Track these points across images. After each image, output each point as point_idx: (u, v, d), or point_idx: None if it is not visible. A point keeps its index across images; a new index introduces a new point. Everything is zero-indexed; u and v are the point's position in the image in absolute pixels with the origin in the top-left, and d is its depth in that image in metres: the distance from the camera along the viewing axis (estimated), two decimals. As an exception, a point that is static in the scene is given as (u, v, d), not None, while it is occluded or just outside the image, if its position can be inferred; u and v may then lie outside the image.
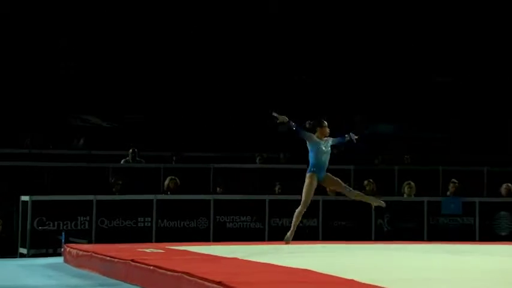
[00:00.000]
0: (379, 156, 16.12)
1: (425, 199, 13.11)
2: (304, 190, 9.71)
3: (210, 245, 11.32)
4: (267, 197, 13.00)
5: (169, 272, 6.74)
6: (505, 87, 21.10)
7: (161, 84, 20.27)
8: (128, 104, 20.32)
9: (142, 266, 7.38)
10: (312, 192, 9.70)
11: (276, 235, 12.53)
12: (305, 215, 12.74)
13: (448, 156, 17.24)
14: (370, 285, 5.82)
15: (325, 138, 9.76)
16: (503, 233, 12.95)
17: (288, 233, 9.93)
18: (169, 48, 20.36)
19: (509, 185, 13.64)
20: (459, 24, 21.05)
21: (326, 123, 9.77)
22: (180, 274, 6.48)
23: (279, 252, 9.32)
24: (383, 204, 10.06)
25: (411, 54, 21.10)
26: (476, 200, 13.14)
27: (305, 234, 12.46)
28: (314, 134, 9.68)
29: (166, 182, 13.03)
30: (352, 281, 6.11)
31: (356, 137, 9.99)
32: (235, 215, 12.70)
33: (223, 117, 20.47)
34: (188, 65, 20.47)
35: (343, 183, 9.98)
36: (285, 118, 9.59)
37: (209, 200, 12.68)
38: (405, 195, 13.41)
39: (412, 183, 13.37)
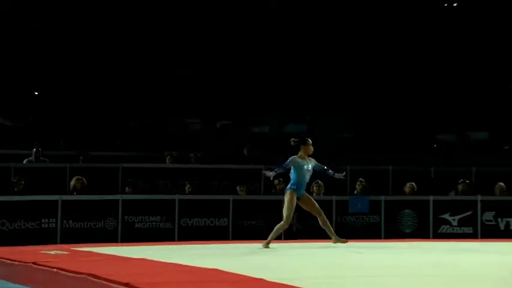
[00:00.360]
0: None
1: (334, 198, 13.27)
2: (285, 207, 9.67)
3: (118, 245, 11.06)
4: (177, 197, 12.83)
5: (73, 274, 6.51)
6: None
7: (66, 82, 19.72)
8: (32, 103, 19.68)
9: (45, 268, 7.11)
10: (293, 209, 9.68)
11: (186, 235, 12.41)
12: (216, 215, 12.76)
13: (355, 155, 17.53)
14: (278, 283, 5.80)
15: (309, 157, 9.73)
16: (407, 231, 13.29)
17: (264, 242, 9.78)
18: (73, 49, 19.85)
19: (413, 184, 14.00)
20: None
21: (310, 141, 9.74)
22: (84, 276, 6.27)
23: (188, 253, 9.20)
24: (343, 242, 10.02)
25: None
26: (382, 198, 13.41)
27: (216, 234, 12.40)
28: (298, 151, 9.65)
29: (72, 182, 12.63)
30: (261, 280, 6.07)
31: (342, 175, 10.02)
32: (145, 215, 12.47)
33: (131, 116, 20.14)
34: (96, 65, 20.03)
35: (318, 207, 9.99)
36: (273, 174, 9.70)
37: (117, 200, 12.38)
38: (314, 194, 13.53)
39: (321, 182, 13.51)
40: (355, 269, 7.37)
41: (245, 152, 15.56)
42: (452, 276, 6.88)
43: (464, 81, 22.30)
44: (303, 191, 9.83)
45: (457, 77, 22.30)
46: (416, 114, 21.04)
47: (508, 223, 13.44)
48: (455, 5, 22.36)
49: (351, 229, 13.07)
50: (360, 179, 14.09)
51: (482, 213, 13.45)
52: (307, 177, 9.75)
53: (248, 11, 20.63)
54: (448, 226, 13.38)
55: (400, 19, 21.36)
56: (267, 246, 9.73)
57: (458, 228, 13.35)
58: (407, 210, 13.41)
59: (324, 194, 13.60)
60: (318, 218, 10.05)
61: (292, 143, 9.71)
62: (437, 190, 14.39)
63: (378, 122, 20.67)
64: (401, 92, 21.73)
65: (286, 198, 9.71)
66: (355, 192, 14.02)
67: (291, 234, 12.69)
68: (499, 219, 13.46)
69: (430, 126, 20.45)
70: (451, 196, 14.14)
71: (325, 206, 13.13)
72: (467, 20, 22.13)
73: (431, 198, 13.48)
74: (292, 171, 9.70)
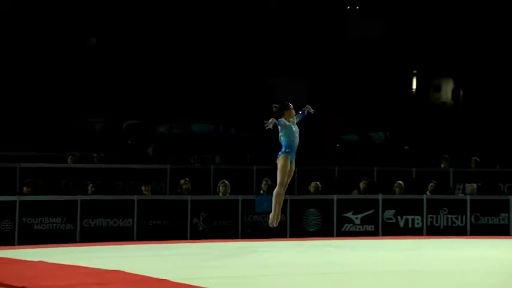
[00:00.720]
0: (195, 156, 16.07)
1: (240, 197, 13.24)
2: (280, 171, 9.35)
3: (15, 248, 10.59)
4: (79, 197, 12.43)
5: (-36, 279, 6.12)
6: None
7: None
8: None
9: None
10: (287, 173, 9.36)
11: (89, 236, 12.04)
12: (120, 215, 12.44)
13: (260, 155, 17.56)
14: (182, 283, 5.68)
15: (291, 119, 9.53)
16: (311, 229, 13.41)
17: (271, 216, 9.52)
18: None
19: (318, 183, 14.14)
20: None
21: (291, 105, 9.56)
22: (-23, 280, 5.92)
23: (90, 255, 8.91)
24: (273, 224, 9.68)
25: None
26: (288, 197, 13.45)
27: (120, 235, 12.11)
28: (281, 116, 9.40)
29: (-35, 183, 12.01)
30: (165, 280, 5.93)
31: (312, 110, 9.84)
32: (44, 216, 12.01)
33: (33, 115, 19.42)
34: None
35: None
36: (273, 120, 9.24)
37: (14, 201, 11.87)
38: (220, 194, 13.46)
39: (227, 182, 13.45)
40: (259, 268, 7.33)
41: (150, 151, 15.27)
42: (352, 273, 6.94)
43: (366, 82, 22.85)
44: (294, 155, 9.52)
45: (359, 77, 22.82)
46: (321, 115, 21.34)
47: (407, 221, 13.79)
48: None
49: (258, 228, 13.06)
50: (266, 178, 14.11)
51: (383, 212, 13.73)
52: (296, 139, 9.51)
53: (146, 12, 20.39)
54: (351, 224, 13.56)
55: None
56: (276, 222, 9.45)
57: (360, 226, 13.55)
58: (311, 209, 13.52)
59: (229, 194, 13.53)
60: (279, 187, 9.57)
61: (273, 109, 9.53)
62: (341, 189, 14.59)
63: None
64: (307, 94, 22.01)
65: (280, 162, 9.37)
66: (261, 191, 14.02)
67: (197, 234, 12.56)
68: (399, 217, 13.79)
69: (334, 126, 20.80)
70: (354, 195, 14.36)
71: (231, 205, 13.14)
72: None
73: (335, 197, 13.64)
74: (281, 134, 9.45)
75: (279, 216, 9.63)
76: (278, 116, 9.40)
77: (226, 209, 13.12)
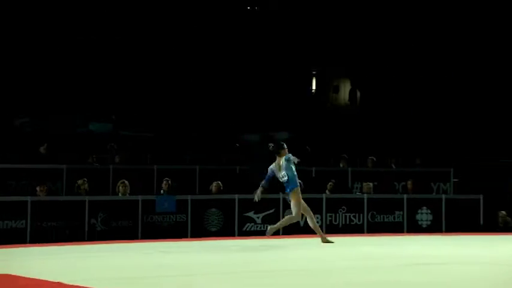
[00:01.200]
0: (93, 156, 15.63)
1: (140, 198, 12.96)
2: (295, 205, 10.73)
3: None
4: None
5: None
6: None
7: None
8: None
9: None
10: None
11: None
12: (12, 216, 11.87)
13: (161, 155, 17.31)
14: (75, 285, 5.43)
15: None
16: (213, 229, 13.31)
17: (270, 228, 10.82)
18: None
19: (219, 183, 14.06)
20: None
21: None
22: None
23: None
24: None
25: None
26: (189, 197, 13.33)
27: (13, 237, 11.56)
28: (279, 155, 10.74)
29: None
30: (58, 283, 5.66)
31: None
32: None
33: None
34: None
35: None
36: (258, 195, 10.92)
37: None
38: (120, 194, 13.15)
39: (126, 182, 13.14)
40: (158, 269, 7.16)
41: (42, 150, 14.63)
42: (257, 271, 6.90)
43: (267, 82, 23.00)
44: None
45: (260, 77, 22.96)
46: (221, 115, 21.32)
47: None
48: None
49: (158, 228, 12.84)
50: (166, 178, 13.90)
51: (284, 211, 13.80)
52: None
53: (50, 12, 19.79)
54: (252, 224, 13.58)
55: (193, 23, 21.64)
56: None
57: (262, 225, 13.58)
58: (213, 209, 13.43)
59: (129, 194, 13.22)
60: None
61: (270, 148, 10.80)
62: (243, 189, 14.57)
63: (185, 121, 20.64)
64: (206, 93, 21.93)
65: (299, 196, 10.72)
66: (162, 191, 13.80)
67: (94, 235, 12.19)
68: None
69: (235, 126, 20.80)
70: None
71: (131, 206, 12.84)
72: (272, 23, 22.85)
73: (236, 196, 13.61)
74: (290, 170, 10.68)
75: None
76: (276, 153, 10.71)
77: (126, 210, 12.80)
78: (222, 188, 14.03)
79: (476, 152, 21.27)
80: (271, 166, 10.88)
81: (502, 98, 23.49)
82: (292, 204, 10.72)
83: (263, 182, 10.96)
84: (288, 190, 10.75)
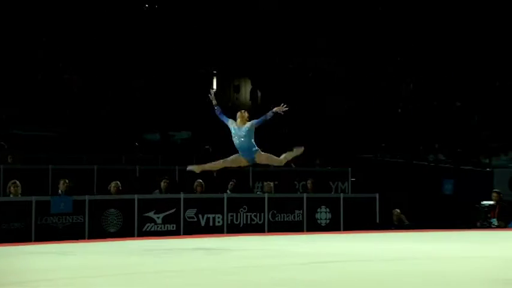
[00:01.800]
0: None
1: (34, 198, 12.47)
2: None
3: None
4: None
5: None
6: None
7: None
8: None
9: None
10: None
11: None
12: None
13: (58, 154, 16.76)
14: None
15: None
16: (112, 230, 13.00)
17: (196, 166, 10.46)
18: None
19: (118, 182, 13.78)
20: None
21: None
22: None
23: None
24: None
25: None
26: (86, 198, 12.96)
27: None
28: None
29: None
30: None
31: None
32: None
33: None
34: None
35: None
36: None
37: None
38: (11, 195, 12.60)
39: (18, 182, 12.60)
40: (53, 272, 6.88)
41: None
42: (156, 272, 6.77)
43: (167, 81, 22.78)
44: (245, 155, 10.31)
45: (160, 76, 22.71)
46: (121, 114, 20.92)
47: (208, 219, 13.86)
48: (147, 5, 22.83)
49: (54, 230, 12.40)
50: (64, 178, 13.46)
51: (184, 211, 13.69)
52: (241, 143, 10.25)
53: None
54: (152, 224, 13.38)
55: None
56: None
57: (162, 225, 13.41)
58: (112, 210, 13.11)
59: (22, 195, 12.68)
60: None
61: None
62: (142, 189, 14.33)
63: (82, 120, 20.10)
64: (105, 91, 21.48)
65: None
66: (60, 192, 13.33)
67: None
68: (200, 216, 13.83)
69: (135, 126, 20.44)
70: (156, 195, 14.18)
71: (24, 207, 12.32)
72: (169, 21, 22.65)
73: (136, 197, 13.37)
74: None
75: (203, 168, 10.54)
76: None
77: (18, 211, 12.28)
78: (121, 188, 13.73)
79: (373, 151, 21.89)
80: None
81: (394, 98, 24.31)
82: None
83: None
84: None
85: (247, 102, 25.06)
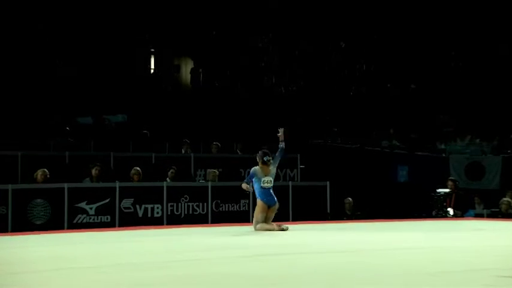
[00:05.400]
0: None
1: None
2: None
3: None
4: None
5: None
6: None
7: None
8: None
9: None
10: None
11: None
12: None
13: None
14: None
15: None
16: (38, 222, 12.64)
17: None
18: None
19: (45, 170, 13.44)
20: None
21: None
22: None
23: None
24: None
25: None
26: (10, 187, 12.58)
27: None
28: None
29: None
30: None
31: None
32: None
33: None
34: None
35: None
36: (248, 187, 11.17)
37: None
38: None
39: None
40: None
41: None
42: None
43: (102, 61, 22.38)
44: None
45: (93, 56, 22.31)
46: (50, 96, 20.44)
47: (146, 210, 13.65)
48: None
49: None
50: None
51: (120, 201, 13.45)
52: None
53: None
54: (84, 215, 13.10)
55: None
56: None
57: (95, 217, 13.15)
58: (38, 200, 12.77)
59: None
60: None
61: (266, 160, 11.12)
62: (73, 177, 14.00)
63: (5, 102, 19.56)
64: (33, 72, 21.00)
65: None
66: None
67: None
68: (138, 206, 13.61)
69: (65, 108, 19.98)
70: (88, 183, 13.88)
71: None
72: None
73: (66, 185, 13.05)
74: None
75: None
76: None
77: None
78: (48, 176, 13.38)
79: (323, 136, 21.94)
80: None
81: (346, 79, 24.43)
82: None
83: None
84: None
85: (187, 83, 24.82)
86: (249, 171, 11.28)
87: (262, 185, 11.09)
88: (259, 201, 11.14)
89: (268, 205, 11.11)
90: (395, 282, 5.96)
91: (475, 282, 5.91)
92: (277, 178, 16.48)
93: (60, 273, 6.42)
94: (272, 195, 11.19)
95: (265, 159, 11.12)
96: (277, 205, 11.23)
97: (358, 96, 23.78)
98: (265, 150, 11.29)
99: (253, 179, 11.11)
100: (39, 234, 10.98)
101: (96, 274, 6.36)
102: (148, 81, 24.02)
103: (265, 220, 11.12)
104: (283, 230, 10.87)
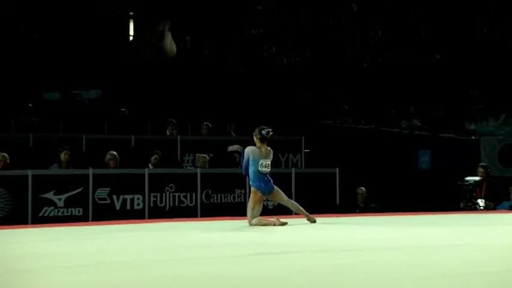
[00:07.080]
0: None
1: None
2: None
3: None
4: None
5: None
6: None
7: None
8: None
9: None
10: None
11: None
12: None
13: None
14: None
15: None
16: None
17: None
18: None
19: (5, 155, 13.55)
20: None
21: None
22: None
23: None
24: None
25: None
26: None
27: None
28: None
29: None
30: None
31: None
32: None
33: None
34: None
35: None
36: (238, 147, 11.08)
37: None
38: None
39: None
40: None
41: None
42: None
43: (71, 28, 22.42)
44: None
45: (62, 23, 22.37)
46: (10, 67, 20.50)
47: (125, 201, 13.75)
48: None
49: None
50: None
51: (94, 191, 13.55)
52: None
53: None
54: (52, 208, 13.21)
55: None
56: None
57: (65, 209, 13.28)
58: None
59: None
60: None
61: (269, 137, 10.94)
62: (38, 163, 14.09)
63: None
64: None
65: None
66: None
67: None
68: (115, 197, 13.71)
69: (29, 82, 20.05)
70: (55, 170, 13.96)
71: None
72: None
73: (29, 173, 13.14)
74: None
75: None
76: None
77: None
78: (8, 161, 13.52)
79: (332, 116, 21.97)
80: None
81: (358, 49, 24.43)
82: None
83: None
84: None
85: (173, 53, 24.83)
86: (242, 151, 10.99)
87: (260, 169, 10.77)
88: (254, 190, 10.85)
89: (267, 193, 10.96)
90: (418, 285, 5.97)
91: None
92: (277, 164, 16.61)
93: (39, 274, 6.46)
94: (270, 181, 10.99)
95: (263, 132, 10.79)
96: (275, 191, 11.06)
97: (373, 68, 23.80)
98: (263, 126, 10.99)
99: (249, 162, 10.79)
100: (0, 229, 11.04)
101: (78, 274, 6.42)
102: (127, 50, 24.06)
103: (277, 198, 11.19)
104: (283, 224, 10.76)
